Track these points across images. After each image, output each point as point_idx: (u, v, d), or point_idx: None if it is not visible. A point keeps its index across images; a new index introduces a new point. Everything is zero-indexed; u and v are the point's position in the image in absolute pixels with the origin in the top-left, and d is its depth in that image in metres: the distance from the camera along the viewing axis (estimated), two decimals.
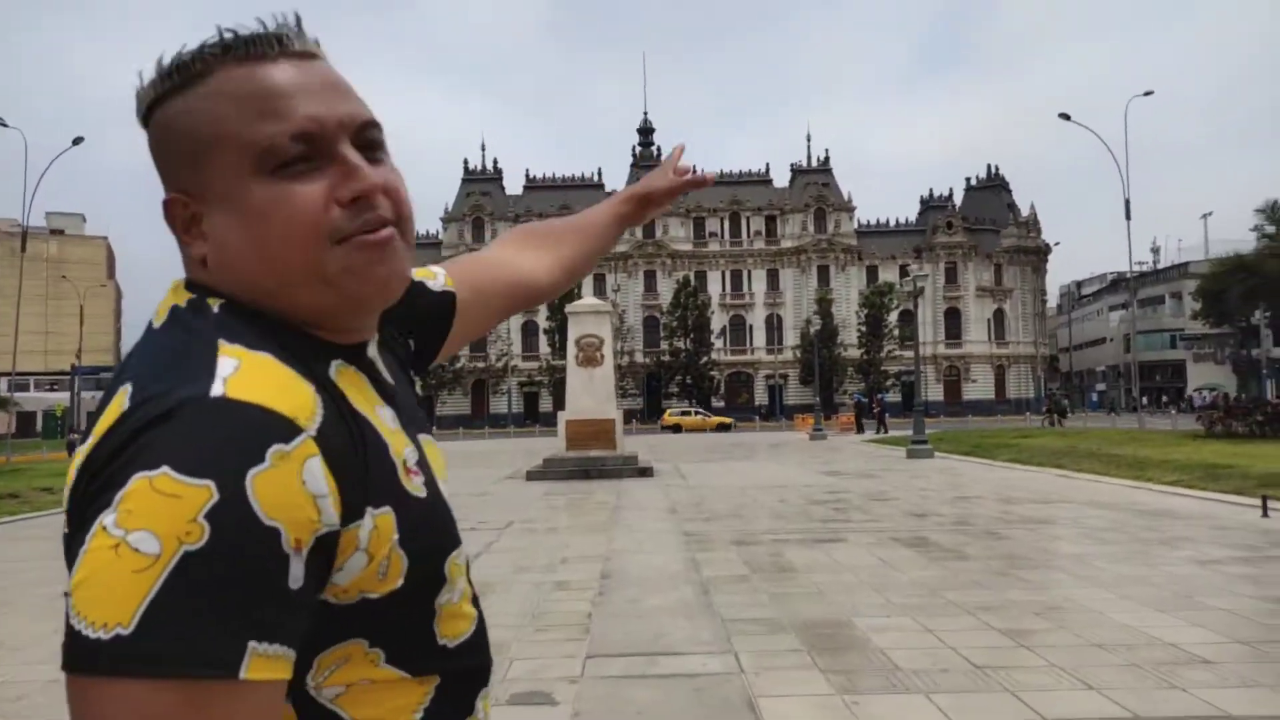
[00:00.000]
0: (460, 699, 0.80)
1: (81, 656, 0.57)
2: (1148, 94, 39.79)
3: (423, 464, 0.78)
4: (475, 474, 19.84)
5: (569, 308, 21.04)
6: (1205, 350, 70.07)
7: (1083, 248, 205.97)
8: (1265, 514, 9.83)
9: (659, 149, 78.30)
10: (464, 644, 0.80)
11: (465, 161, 76.78)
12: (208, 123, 0.71)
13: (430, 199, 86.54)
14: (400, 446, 0.76)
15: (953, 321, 73.57)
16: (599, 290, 67.53)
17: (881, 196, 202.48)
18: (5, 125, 31.15)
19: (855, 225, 75.25)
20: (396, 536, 0.71)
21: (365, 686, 0.72)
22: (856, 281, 72.89)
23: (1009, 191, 79.49)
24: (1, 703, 4.53)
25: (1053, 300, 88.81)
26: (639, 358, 70.42)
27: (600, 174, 77.60)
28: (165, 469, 0.59)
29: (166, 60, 0.73)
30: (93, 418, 0.69)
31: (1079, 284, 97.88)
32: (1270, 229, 34.22)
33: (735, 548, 8.75)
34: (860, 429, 40.04)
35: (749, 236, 74.34)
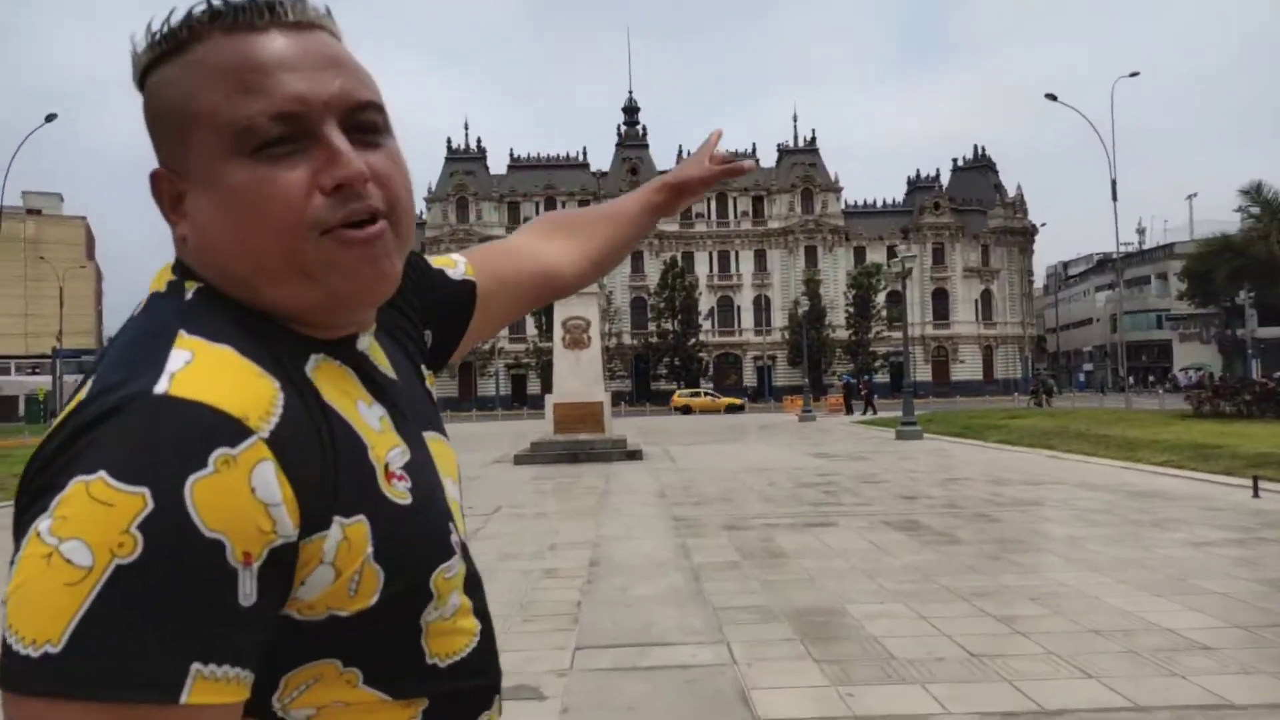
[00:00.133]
0: None
1: (13, 674, 0.54)
2: (1134, 75, 39.89)
3: (414, 467, 0.72)
4: (462, 458, 19.22)
5: None
6: (1191, 330, 70.50)
7: (1069, 229, 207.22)
8: (1256, 494, 9.83)
9: (644, 128, 77.95)
10: (460, 663, 0.73)
11: (449, 141, 76.19)
12: (188, 96, 0.67)
13: (413, 179, 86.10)
14: (384, 448, 0.70)
15: (940, 302, 73.77)
16: None
17: (868, 178, 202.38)
18: None
19: (842, 206, 75.21)
20: (370, 549, 0.65)
21: (339, 709, 0.66)
22: (844, 262, 72.91)
23: (995, 172, 79.62)
24: None
25: (1039, 281, 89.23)
26: (627, 339, 70.30)
27: (585, 153, 77.24)
28: (101, 473, 0.56)
29: (156, 24, 0.69)
30: None
31: (1065, 265, 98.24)
32: (1255, 210, 34.41)
33: (726, 532, 8.67)
34: (849, 410, 40.08)
35: (736, 217, 74.19)
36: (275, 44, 0.67)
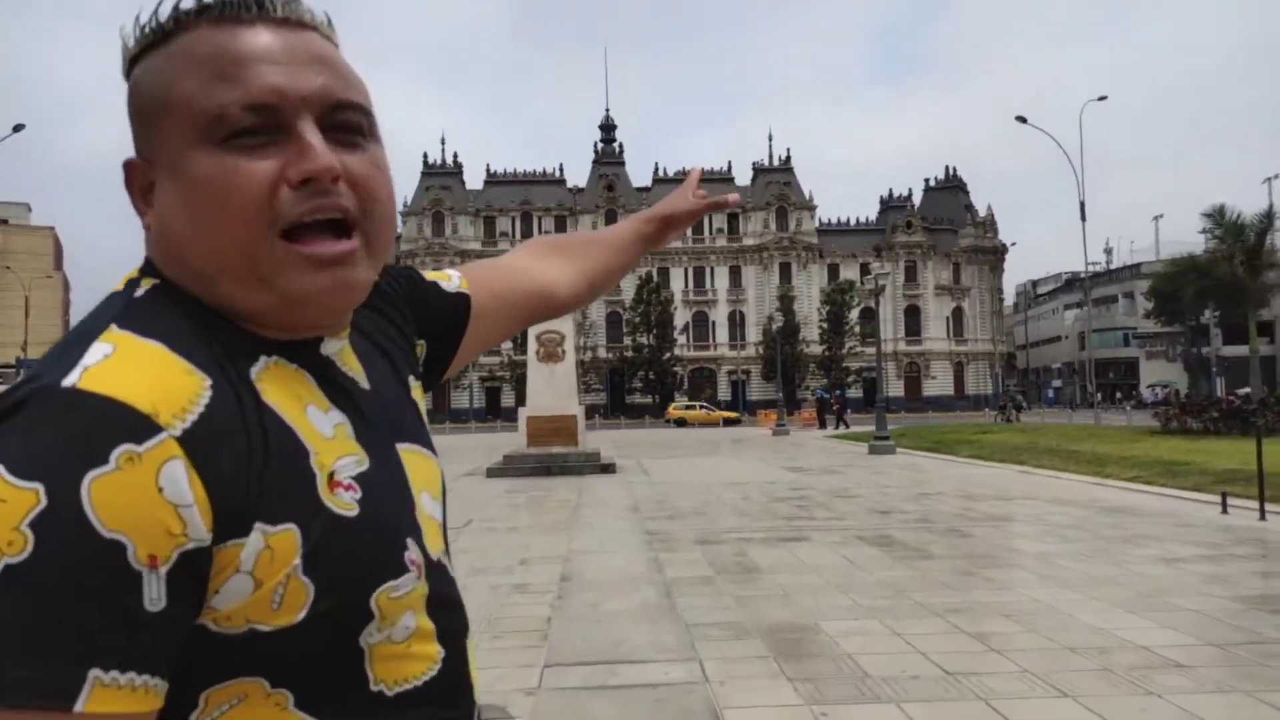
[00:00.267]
0: None
1: None
2: (1102, 99, 40.48)
3: (369, 477, 0.68)
4: None
5: None
6: (1157, 348, 71.61)
7: (1038, 248, 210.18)
8: (1225, 510, 9.89)
9: (620, 145, 78.17)
10: (411, 691, 0.67)
11: (425, 155, 75.74)
12: (167, 84, 0.66)
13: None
14: (331, 456, 0.66)
15: (912, 319, 74.46)
16: None
17: (842, 197, 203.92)
18: None
19: (816, 224, 75.84)
20: (298, 561, 0.61)
21: None
22: (818, 279, 73.40)
23: (966, 193, 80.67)
24: None
25: (1009, 299, 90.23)
26: (602, 353, 70.22)
27: (562, 169, 77.24)
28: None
29: (145, 16, 0.68)
30: None
31: (1034, 283, 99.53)
32: (1218, 232, 35.07)
33: (699, 547, 8.57)
34: (823, 425, 40.28)
35: (711, 234, 74.50)
36: (259, 38, 0.66)
